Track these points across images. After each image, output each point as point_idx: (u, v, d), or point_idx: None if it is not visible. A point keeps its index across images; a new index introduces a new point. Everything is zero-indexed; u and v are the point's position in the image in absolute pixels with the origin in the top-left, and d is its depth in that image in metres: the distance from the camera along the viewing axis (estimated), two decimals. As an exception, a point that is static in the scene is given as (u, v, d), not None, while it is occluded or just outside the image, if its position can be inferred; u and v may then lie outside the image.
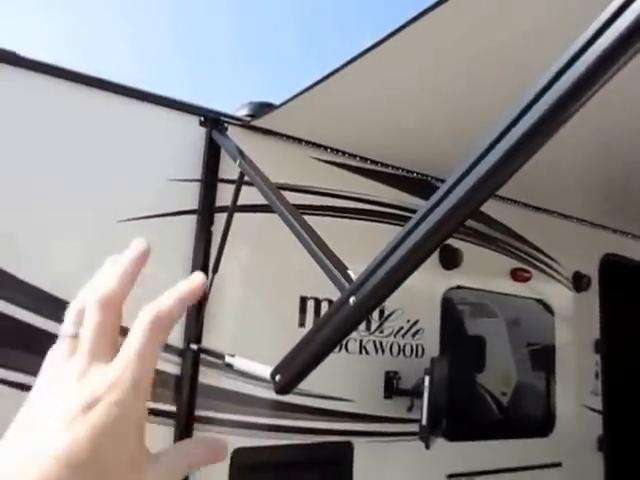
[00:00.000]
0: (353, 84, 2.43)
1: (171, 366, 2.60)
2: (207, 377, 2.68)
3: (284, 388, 1.93)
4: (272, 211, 2.93)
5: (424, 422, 2.91)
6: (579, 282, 4.33)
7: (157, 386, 2.57)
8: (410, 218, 3.93)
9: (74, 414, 0.52)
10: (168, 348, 2.60)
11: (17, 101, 2.41)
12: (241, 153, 2.56)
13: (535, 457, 3.88)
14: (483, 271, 3.83)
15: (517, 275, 3.98)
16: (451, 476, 3.43)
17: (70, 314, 0.63)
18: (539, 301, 4.14)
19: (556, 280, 4.25)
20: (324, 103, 2.61)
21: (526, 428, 4.01)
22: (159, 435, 2.52)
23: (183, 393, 2.60)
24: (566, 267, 4.32)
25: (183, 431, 2.57)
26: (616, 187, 3.89)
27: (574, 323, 4.36)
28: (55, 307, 2.35)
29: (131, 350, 0.58)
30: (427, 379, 2.94)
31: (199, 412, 2.63)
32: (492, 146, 1.33)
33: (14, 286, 2.30)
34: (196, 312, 2.65)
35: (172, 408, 2.58)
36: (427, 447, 2.94)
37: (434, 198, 1.48)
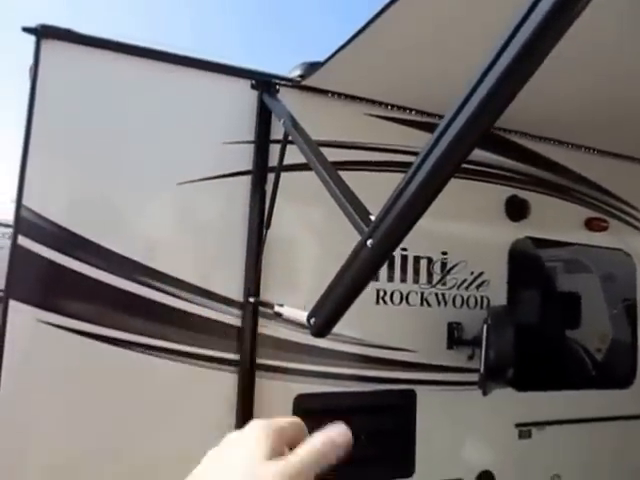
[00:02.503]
0: (399, 28, 2.19)
1: (233, 319, 2.58)
2: (267, 328, 2.65)
3: (319, 330, 1.84)
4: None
5: (482, 370, 2.71)
6: (664, 230, 3.82)
7: (222, 336, 2.58)
8: (472, 170, 3.52)
9: None
10: (230, 302, 2.60)
11: (82, 76, 2.44)
12: (286, 113, 2.45)
13: (614, 409, 3.52)
14: (554, 222, 3.45)
15: (593, 225, 3.56)
16: (519, 425, 3.21)
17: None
18: (618, 251, 3.70)
19: (637, 229, 3.77)
20: (370, 54, 2.38)
21: (605, 379, 3.65)
22: (225, 381, 2.54)
23: (245, 343, 2.58)
24: (650, 215, 3.83)
25: (246, 378, 2.56)
26: None
27: (658, 273, 3.88)
28: (124, 265, 2.43)
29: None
30: (485, 328, 2.72)
31: (260, 360, 2.61)
32: (484, 75, 1.14)
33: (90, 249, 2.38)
34: (254, 267, 2.62)
35: (236, 357, 2.58)
36: (484, 394, 2.74)
37: (435, 134, 1.30)
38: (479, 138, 1.22)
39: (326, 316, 1.77)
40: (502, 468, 3.14)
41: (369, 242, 1.51)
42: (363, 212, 1.60)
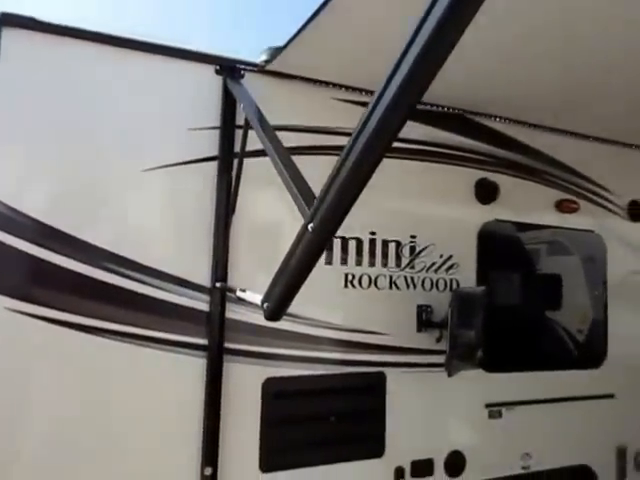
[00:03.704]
0: (360, 10, 2.19)
1: (201, 304, 2.61)
2: (236, 313, 2.68)
3: (272, 314, 1.87)
4: (295, 153, 2.86)
5: (447, 352, 2.76)
6: (635, 211, 3.87)
7: (190, 322, 2.61)
8: (441, 153, 3.49)
9: None
10: (198, 287, 2.62)
11: (41, 64, 2.43)
12: (247, 98, 2.46)
13: (584, 388, 3.60)
14: (524, 204, 3.49)
15: (563, 206, 3.61)
16: (489, 405, 3.27)
17: None
18: (589, 232, 3.75)
19: (608, 210, 3.82)
20: (333, 36, 2.38)
21: (574, 359, 3.72)
22: (193, 365, 2.58)
23: (213, 328, 2.61)
24: (620, 196, 3.86)
25: (214, 362, 2.60)
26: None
27: (630, 253, 3.93)
28: (91, 253, 2.44)
29: None
30: (450, 310, 2.76)
31: (229, 345, 2.65)
32: (404, 53, 1.17)
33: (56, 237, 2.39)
34: (221, 252, 2.64)
35: (204, 342, 2.61)
36: (449, 375, 2.80)
37: (364, 114, 1.33)
38: (406, 115, 1.25)
39: (277, 300, 1.80)
40: (472, 448, 3.21)
41: (310, 226, 1.54)
42: (309, 197, 1.62)
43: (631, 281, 3.89)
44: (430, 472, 3.08)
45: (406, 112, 1.26)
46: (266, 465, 2.69)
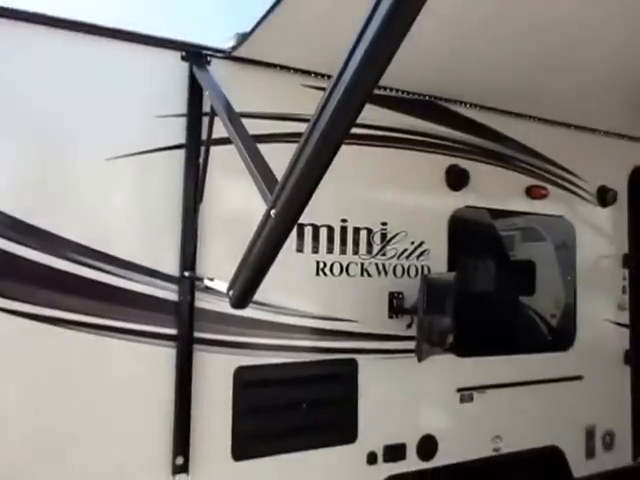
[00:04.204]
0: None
1: (170, 293, 2.59)
2: (206, 302, 2.66)
3: (238, 302, 1.87)
4: (265, 141, 2.84)
5: (417, 337, 2.79)
6: (604, 197, 3.93)
7: (159, 312, 2.58)
8: (412, 140, 3.47)
9: None
10: (166, 277, 2.60)
11: (3, 51, 2.37)
12: (213, 85, 2.42)
13: (554, 371, 3.67)
14: (494, 190, 3.52)
15: (533, 192, 3.65)
16: (461, 390, 3.32)
17: None
18: (559, 217, 3.80)
19: (578, 196, 3.87)
20: (300, 22, 2.36)
21: (547, 343, 3.79)
22: (163, 356, 2.56)
23: (182, 317, 2.59)
24: (590, 182, 3.92)
25: (184, 352, 2.59)
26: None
27: (599, 238, 4.00)
28: (56, 244, 2.40)
29: None
30: (419, 296, 2.78)
31: (199, 334, 2.63)
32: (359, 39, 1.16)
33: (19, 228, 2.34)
34: (190, 241, 2.62)
35: (174, 332, 2.59)
36: (419, 360, 2.83)
37: (322, 99, 1.32)
38: (364, 98, 1.24)
39: (243, 288, 1.80)
40: (444, 432, 3.25)
41: (272, 212, 1.53)
42: (272, 183, 1.61)
43: (599, 266, 3.97)
44: (403, 456, 3.12)
45: (364, 96, 1.25)
46: (238, 453, 2.70)
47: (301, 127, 2.91)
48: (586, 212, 3.91)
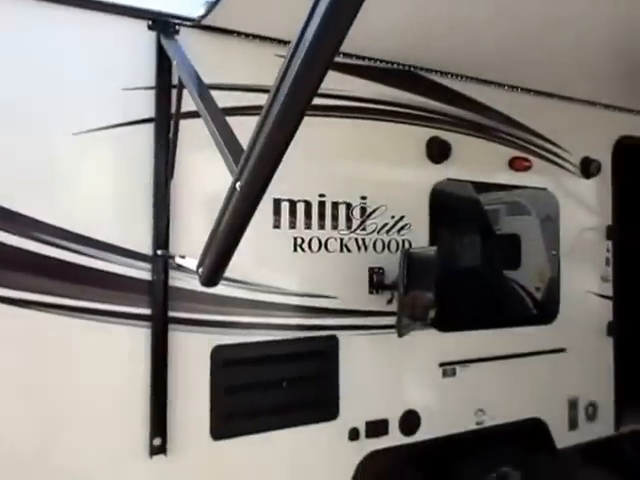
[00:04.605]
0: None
1: (143, 273, 2.51)
2: (180, 281, 2.59)
3: (208, 279, 1.80)
4: (238, 114, 2.74)
5: (397, 312, 2.75)
6: (588, 168, 3.87)
7: (133, 291, 2.51)
8: (391, 112, 3.37)
9: None
10: (139, 256, 2.52)
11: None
12: (180, 55, 2.32)
13: (537, 344, 3.65)
14: (477, 162, 3.45)
15: (517, 164, 3.58)
16: (443, 364, 3.29)
17: None
18: (543, 190, 3.75)
19: (561, 167, 3.81)
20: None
21: (528, 317, 3.76)
22: (138, 336, 2.50)
23: (156, 297, 2.52)
24: (573, 153, 3.85)
25: (159, 332, 2.53)
26: (628, 63, 3.35)
27: (582, 210, 3.95)
28: (22, 224, 2.30)
29: None
30: (398, 272, 2.73)
31: (174, 314, 2.57)
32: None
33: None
34: (162, 219, 2.54)
35: (148, 311, 2.52)
36: (399, 336, 2.79)
37: (282, 65, 1.24)
38: (325, 65, 1.17)
39: (212, 264, 1.73)
40: (426, 406, 3.23)
41: (238, 184, 1.46)
42: (239, 156, 1.53)
43: (583, 238, 3.93)
44: (385, 432, 3.10)
45: (325, 62, 1.18)
46: (217, 432, 2.66)
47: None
48: (570, 184, 3.86)
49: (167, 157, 2.53)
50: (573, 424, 3.82)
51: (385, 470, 3.12)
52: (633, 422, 4.15)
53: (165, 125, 2.53)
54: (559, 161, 3.80)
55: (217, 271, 1.72)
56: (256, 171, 1.38)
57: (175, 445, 2.56)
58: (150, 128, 2.52)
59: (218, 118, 1.83)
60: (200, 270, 1.76)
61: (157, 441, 2.52)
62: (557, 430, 3.74)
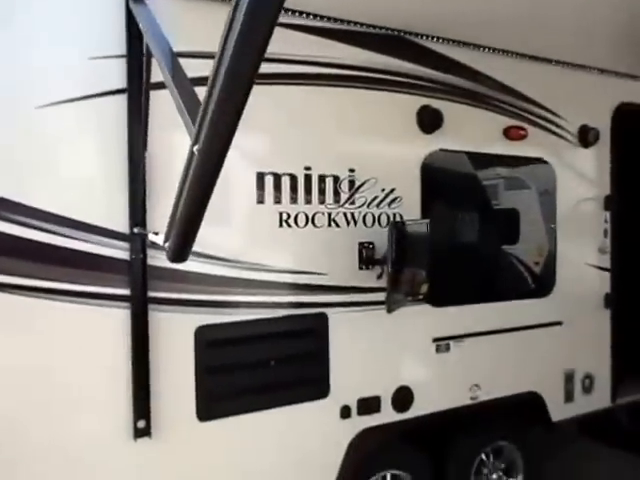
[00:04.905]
0: None
1: (121, 252, 2.41)
2: (160, 260, 2.48)
3: (176, 255, 1.69)
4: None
5: (387, 288, 2.65)
6: (586, 136, 3.72)
7: (110, 272, 2.41)
8: (379, 80, 3.16)
9: None
10: (115, 234, 2.40)
11: None
12: (149, 21, 2.17)
13: (533, 318, 3.56)
14: (470, 132, 3.30)
15: (512, 133, 3.43)
16: (437, 340, 3.21)
17: None
18: (538, 160, 3.61)
19: (558, 136, 3.66)
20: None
21: (523, 290, 3.67)
22: (117, 318, 2.40)
23: (135, 277, 2.42)
24: (571, 121, 3.70)
25: (139, 312, 2.43)
26: (628, 27, 3.19)
27: (579, 180, 3.82)
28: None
29: None
30: (387, 246, 2.62)
31: (154, 294, 2.47)
32: None
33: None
34: (138, 195, 2.41)
35: (126, 292, 2.42)
36: (388, 311, 2.70)
37: (226, 22, 1.13)
38: (270, 23, 1.06)
39: (178, 238, 1.62)
40: (420, 383, 3.16)
41: (195, 148, 1.36)
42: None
43: (580, 209, 3.81)
44: (377, 409, 3.02)
45: (270, 17, 1.07)
46: (204, 414, 2.58)
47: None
48: (567, 153, 3.72)
49: (142, 130, 2.40)
50: (569, 397, 3.76)
51: (378, 447, 3.05)
52: (630, 394, 4.10)
53: (138, 96, 2.38)
54: (556, 130, 3.66)
55: (184, 245, 1.62)
56: (212, 133, 1.28)
57: (160, 427, 2.49)
58: (123, 99, 2.39)
59: (185, 87, 1.70)
60: (167, 245, 1.65)
61: (141, 423, 2.44)
62: (553, 403, 3.67)
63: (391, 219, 3.03)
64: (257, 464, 2.73)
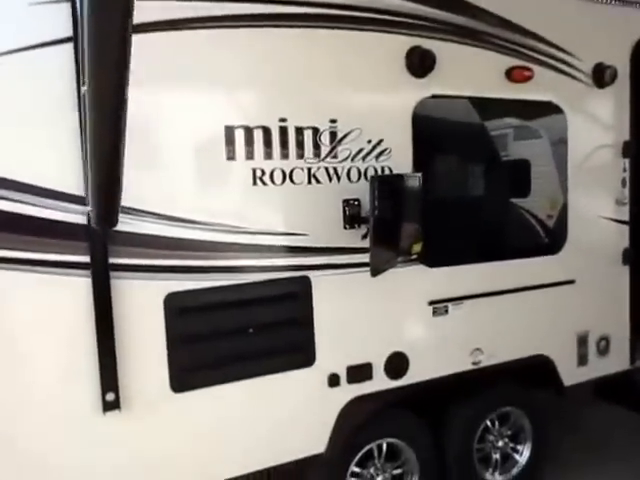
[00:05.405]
0: None
1: (78, 216, 2.23)
2: (121, 224, 2.28)
3: (100, 218, 1.51)
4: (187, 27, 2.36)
5: (370, 249, 2.41)
6: (602, 76, 3.34)
7: (68, 238, 2.24)
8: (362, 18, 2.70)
9: None
10: (71, 198, 2.22)
11: None
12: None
13: (540, 277, 3.29)
14: (466, 75, 2.97)
15: (515, 75, 3.09)
16: (433, 302, 2.98)
17: None
18: (547, 104, 3.27)
19: (570, 76, 3.29)
20: None
21: (529, 247, 3.38)
22: (78, 287, 2.24)
23: (94, 242, 2.25)
24: (584, 59, 3.33)
25: (100, 280, 2.26)
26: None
27: (594, 125, 3.46)
28: None
29: None
30: (369, 201, 2.38)
31: (116, 260, 2.30)
32: None
33: None
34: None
35: (86, 259, 2.26)
36: (372, 275, 2.47)
37: None
38: None
39: (98, 198, 1.43)
40: (415, 348, 2.95)
41: (83, 89, 1.15)
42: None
43: (595, 157, 3.47)
44: (369, 376, 2.84)
45: None
46: (179, 385, 2.43)
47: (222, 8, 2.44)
48: (580, 95, 3.35)
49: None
50: (583, 360, 3.50)
51: (372, 416, 2.88)
52: (651, 355, 3.82)
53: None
54: (567, 69, 3.28)
55: (109, 206, 1.43)
56: (96, 65, 1.06)
57: (131, 400, 2.35)
58: (69, 49, 2.17)
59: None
60: (89, 210, 1.47)
61: (110, 396, 2.31)
62: (565, 367, 3.43)
63: (379, 173, 2.78)
64: (238, 437, 2.59)
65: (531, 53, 3.14)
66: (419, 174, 2.75)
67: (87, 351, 2.27)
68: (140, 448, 2.42)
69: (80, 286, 2.25)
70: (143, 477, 2.45)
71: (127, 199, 2.21)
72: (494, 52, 3.04)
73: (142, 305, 2.36)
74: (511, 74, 3.09)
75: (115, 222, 1.53)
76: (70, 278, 2.24)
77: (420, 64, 2.81)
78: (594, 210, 3.49)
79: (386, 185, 2.47)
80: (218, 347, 2.52)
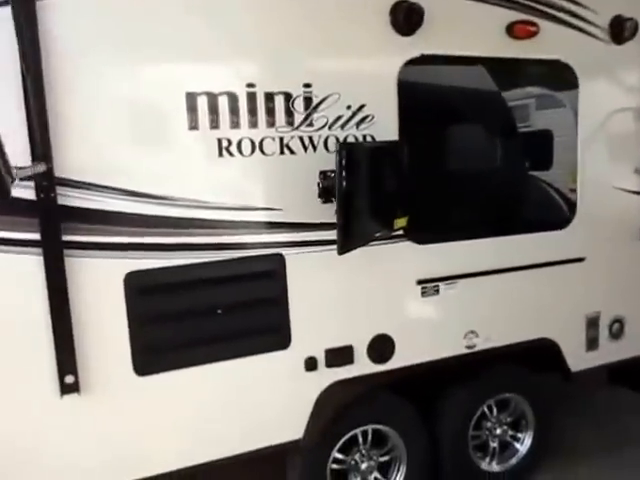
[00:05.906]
0: None
1: (26, 191, 2.10)
2: (74, 199, 2.17)
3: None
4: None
5: (337, 224, 2.20)
6: (620, 30, 2.98)
7: (14, 214, 2.12)
8: None
9: None
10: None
11: None
12: None
13: (544, 254, 3.02)
14: (460, 31, 2.68)
15: (517, 31, 2.78)
16: (422, 282, 2.77)
17: None
18: (554, 62, 2.95)
19: (582, 31, 2.95)
20: None
21: (531, 221, 3.11)
22: (29, 266, 2.12)
23: (44, 218, 2.12)
24: (599, 11, 2.98)
25: (53, 259, 2.14)
26: None
27: (610, 86, 3.12)
28: None
29: None
30: (337, 172, 2.16)
31: (70, 237, 2.17)
32: None
33: None
34: (38, 124, 2.07)
35: (36, 236, 2.14)
36: (339, 253, 2.27)
37: None
38: None
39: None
40: (401, 330, 2.75)
41: None
42: None
43: (611, 122, 3.13)
44: (350, 360, 2.66)
45: None
46: (142, 368, 2.32)
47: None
48: (593, 52, 3.00)
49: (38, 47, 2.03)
50: (592, 344, 3.24)
51: (354, 401, 2.71)
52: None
53: (26, 7, 2.01)
54: (579, 23, 2.94)
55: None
56: None
57: (92, 383, 2.25)
58: (7, 12, 2.02)
59: None
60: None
61: (69, 379, 2.21)
62: (572, 351, 3.18)
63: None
64: (208, 423, 2.47)
65: (536, 5, 2.82)
66: (398, 140, 2.51)
67: (43, 333, 2.16)
68: (104, 432, 2.32)
69: (31, 264, 2.13)
70: (108, 462, 2.37)
71: (84, 173, 2.15)
72: (492, 4, 2.74)
73: (100, 285, 2.23)
74: (512, 29, 2.78)
75: (8, 195, 1.38)
76: (19, 256, 2.12)
77: (406, 20, 2.54)
78: (609, 180, 3.17)
79: (357, 154, 2.24)
80: (184, 329, 2.38)
